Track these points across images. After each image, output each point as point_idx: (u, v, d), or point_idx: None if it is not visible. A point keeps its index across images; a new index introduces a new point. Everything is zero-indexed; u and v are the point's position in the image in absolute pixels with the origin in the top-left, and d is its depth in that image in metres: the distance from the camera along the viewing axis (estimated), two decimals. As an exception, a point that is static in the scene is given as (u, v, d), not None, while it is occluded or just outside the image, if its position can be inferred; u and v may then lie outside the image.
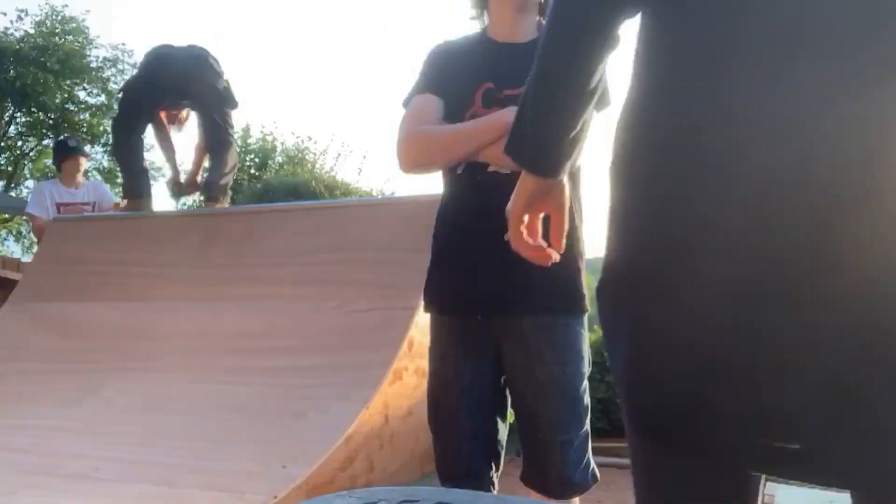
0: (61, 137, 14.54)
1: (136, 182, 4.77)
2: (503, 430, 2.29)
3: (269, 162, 14.06)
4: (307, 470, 2.68)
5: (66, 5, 18.05)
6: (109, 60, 18.25)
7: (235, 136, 4.63)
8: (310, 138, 11.19)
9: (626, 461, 4.06)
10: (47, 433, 3.28)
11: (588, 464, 2.13)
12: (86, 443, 3.16)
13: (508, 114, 1.60)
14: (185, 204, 17.59)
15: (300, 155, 12.44)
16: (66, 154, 5.24)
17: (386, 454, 3.18)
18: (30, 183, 19.82)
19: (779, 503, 2.69)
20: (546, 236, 1.51)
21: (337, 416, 2.99)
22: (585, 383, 2.07)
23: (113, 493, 2.73)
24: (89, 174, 19.26)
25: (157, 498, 2.66)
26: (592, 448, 3.93)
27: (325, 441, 2.83)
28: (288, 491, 2.56)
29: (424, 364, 3.54)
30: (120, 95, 5.16)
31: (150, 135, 4.90)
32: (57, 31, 17.49)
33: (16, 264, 6.41)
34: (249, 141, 14.74)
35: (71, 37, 17.63)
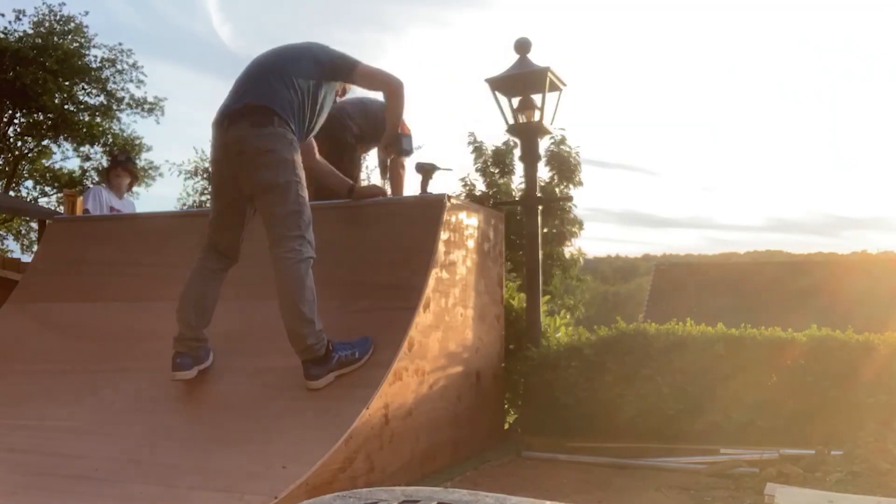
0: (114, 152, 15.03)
1: None
2: None
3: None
4: (307, 470, 2.68)
5: (64, 3, 17.97)
6: (108, 60, 18.22)
7: None
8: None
9: (626, 461, 4.10)
10: (47, 433, 3.28)
11: None
12: (86, 443, 3.16)
13: None
14: (184, 204, 17.59)
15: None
16: (112, 165, 6.26)
17: (386, 454, 3.18)
18: (29, 183, 19.80)
19: (778, 503, 2.69)
20: None
21: (337, 416, 3.00)
22: None
23: (113, 493, 2.73)
24: (88, 174, 19.27)
25: (157, 498, 2.66)
26: (592, 448, 4.07)
27: (325, 441, 2.84)
28: (288, 491, 2.56)
29: (424, 364, 3.56)
30: None
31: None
32: (56, 30, 17.45)
33: (16, 264, 6.41)
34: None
35: (70, 37, 17.59)
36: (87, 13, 17.86)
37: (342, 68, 3.55)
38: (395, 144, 3.75)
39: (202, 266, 3.42)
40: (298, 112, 3.35)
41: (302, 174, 3.30)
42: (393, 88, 3.63)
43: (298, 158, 3.32)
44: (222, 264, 3.43)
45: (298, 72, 3.39)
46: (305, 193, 3.29)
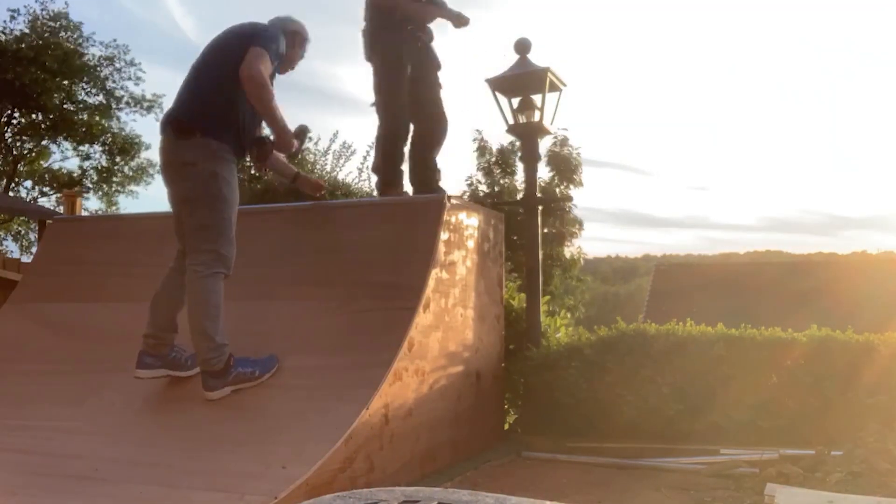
0: None
1: None
2: None
3: (269, 162, 14.02)
4: (307, 470, 2.68)
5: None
6: (106, 59, 18.14)
7: None
8: (310, 138, 11.15)
9: (626, 461, 4.10)
10: (47, 433, 3.28)
11: None
12: (86, 443, 3.16)
13: None
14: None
15: (300, 155, 12.45)
16: None
17: (386, 454, 3.18)
18: (28, 183, 19.78)
19: (778, 503, 2.69)
20: None
21: (337, 416, 2.99)
22: None
23: (113, 493, 2.73)
24: (87, 174, 19.22)
25: (157, 498, 2.66)
26: (591, 448, 4.06)
27: (325, 441, 2.83)
28: (288, 491, 2.56)
29: (424, 364, 3.56)
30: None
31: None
32: (52, 28, 17.38)
33: (16, 265, 6.39)
34: (249, 141, 14.70)
35: (64, 33, 17.51)
36: (66, 4, 17.36)
37: (250, 40, 3.27)
38: (289, 140, 3.53)
39: (171, 268, 3.49)
40: (227, 120, 3.27)
41: (225, 186, 3.27)
42: (253, 89, 3.22)
43: (224, 170, 3.28)
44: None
45: (224, 69, 3.24)
46: (226, 206, 3.28)
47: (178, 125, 3.29)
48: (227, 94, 3.26)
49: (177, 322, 3.44)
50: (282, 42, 3.44)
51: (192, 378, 3.40)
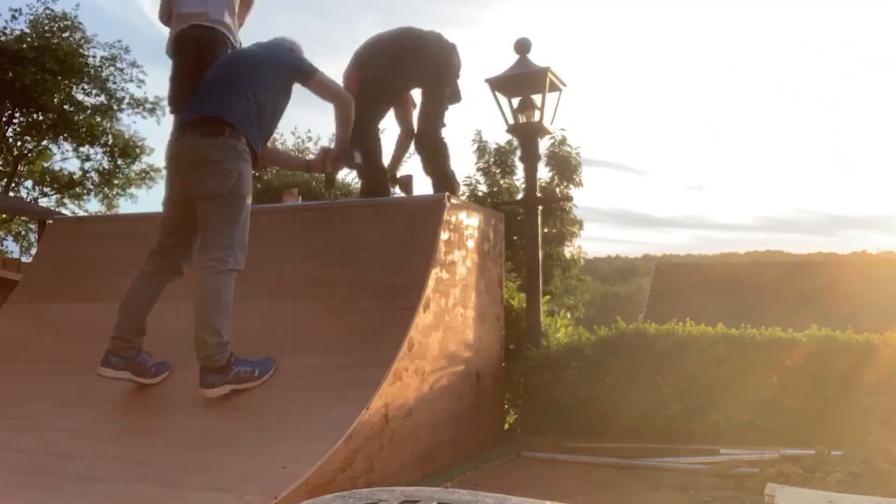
0: None
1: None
2: None
3: (269, 162, 13.98)
4: (307, 470, 2.68)
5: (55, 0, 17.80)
6: (108, 59, 18.20)
7: None
8: (310, 138, 11.09)
9: (626, 461, 4.10)
10: (47, 433, 3.28)
11: None
12: (86, 443, 3.16)
13: None
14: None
15: (300, 155, 12.42)
16: None
17: (386, 454, 3.18)
18: (28, 183, 19.79)
19: (779, 503, 2.69)
20: None
21: (337, 416, 2.99)
22: None
23: (112, 493, 2.73)
24: (88, 175, 19.21)
25: (157, 498, 2.66)
26: (592, 448, 4.05)
27: (325, 441, 2.83)
28: (288, 491, 2.56)
29: (424, 364, 3.56)
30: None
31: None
32: (53, 29, 17.40)
33: (16, 264, 6.40)
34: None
35: (67, 34, 17.54)
36: (77, 6, 17.39)
37: (300, 75, 3.59)
38: (348, 159, 3.87)
39: (142, 271, 3.50)
40: (255, 123, 3.39)
41: (246, 185, 3.35)
42: (343, 103, 3.68)
43: (246, 169, 3.36)
44: (162, 266, 3.48)
45: (259, 84, 3.42)
46: (245, 206, 3.35)
47: (208, 123, 3.33)
48: (256, 103, 3.38)
49: (145, 326, 3.46)
50: None
51: (192, 378, 3.40)
